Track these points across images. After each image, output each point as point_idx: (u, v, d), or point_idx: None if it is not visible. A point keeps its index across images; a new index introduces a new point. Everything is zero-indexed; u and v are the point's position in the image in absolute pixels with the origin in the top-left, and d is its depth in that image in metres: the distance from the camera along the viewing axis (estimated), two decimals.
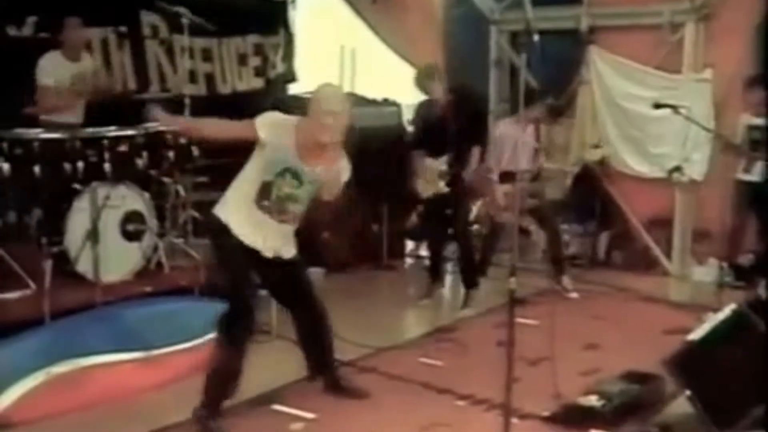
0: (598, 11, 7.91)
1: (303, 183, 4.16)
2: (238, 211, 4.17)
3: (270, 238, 4.21)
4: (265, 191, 4.14)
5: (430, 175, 6.44)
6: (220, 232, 4.19)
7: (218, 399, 4.20)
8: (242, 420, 4.29)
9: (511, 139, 6.64)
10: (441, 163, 6.39)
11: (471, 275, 6.68)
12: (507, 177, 6.55)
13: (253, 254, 4.20)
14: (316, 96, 4.24)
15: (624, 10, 7.75)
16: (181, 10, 6.49)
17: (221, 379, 4.20)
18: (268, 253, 4.23)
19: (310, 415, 4.37)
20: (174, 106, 6.36)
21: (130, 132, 5.69)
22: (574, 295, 6.78)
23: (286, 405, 4.48)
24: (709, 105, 7.23)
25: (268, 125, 4.15)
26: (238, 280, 4.23)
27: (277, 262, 4.30)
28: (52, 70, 5.99)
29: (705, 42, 7.40)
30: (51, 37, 6.24)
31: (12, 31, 6.57)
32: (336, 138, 4.17)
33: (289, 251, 4.36)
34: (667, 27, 7.51)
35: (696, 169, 7.38)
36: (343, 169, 4.29)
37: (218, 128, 4.49)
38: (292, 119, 4.23)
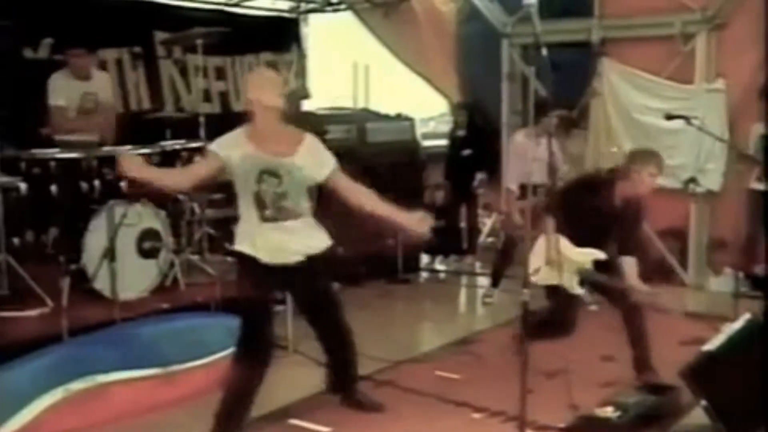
0: (609, 23, 7.92)
1: (281, 176, 4.10)
2: (251, 236, 4.18)
3: (289, 241, 4.18)
4: (259, 202, 4.11)
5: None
6: (243, 263, 4.26)
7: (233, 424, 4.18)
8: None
9: (525, 152, 6.62)
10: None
11: None
12: (522, 190, 6.54)
13: (278, 273, 4.20)
14: (251, 80, 4.42)
15: (635, 22, 7.75)
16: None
17: (236, 401, 4.19)
18: (295, 258, 4.19)
19: (326, 429, 4.38)
20: (189, 124, 6.44)
21: (145, 150, 5.75)
22: (593, 307, 6.76)
23: (303, 419, 4.49)
24: (723, 115, 7.21)
25: (222, 144, 4.17)
26: (256, 304, 4.22)
27: (304, 271, 4.26)
28: (61, 90, 6.05)
29: (717, 52, 7.39)
30: (66, 59, 6.31)
31: (28, 54, 6.67)
32: (273, 101, 4.12)
33: (317, 243, 4.30)
34: (679, 37, 7.50)
35: (711, 179, 7.35)
36: (314, 146, 4.25)
37: (181, 176, 4.59)
38: (239, 129, 4.20)
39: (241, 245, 4.23)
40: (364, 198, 4.36)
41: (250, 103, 4.17)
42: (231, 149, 4.12)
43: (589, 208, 4.80)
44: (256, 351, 4.18)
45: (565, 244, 4.76)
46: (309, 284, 4.36)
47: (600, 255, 4.85)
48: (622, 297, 4.90)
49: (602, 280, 4.89)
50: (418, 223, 4.41)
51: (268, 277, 4.20)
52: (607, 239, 4.93)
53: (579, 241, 4.82)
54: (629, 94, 7.81)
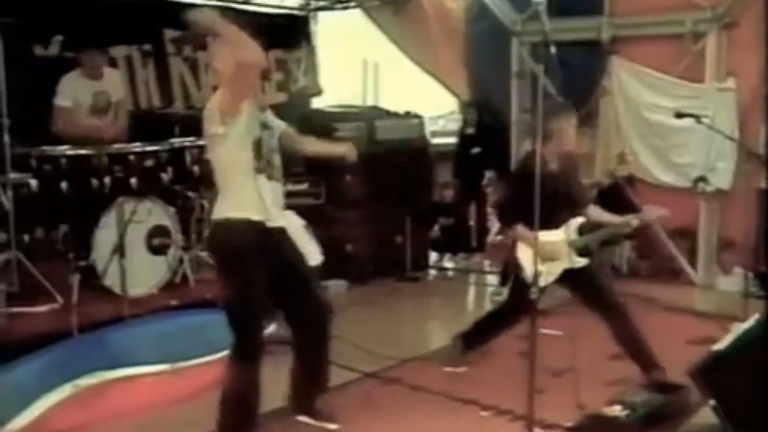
0: (619, 21, 7.91)
1: (271, 129, 4.12)
2: (240, 195, 4.00)
3: (272, 201, 4.08)
4: (257, 151, 4.00)
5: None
6: (227, 232, 4.01)
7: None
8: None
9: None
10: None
11: None
12: None
13: (261, 236, 4.01)
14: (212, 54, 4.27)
15: (646, 20, 7.73)
16: None
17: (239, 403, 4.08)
18: (275, 222, 4.08)
19: (334, 426, 4.38)
20: (199, 122, 6.44)
21: (155, 147, 5.78)
22: None
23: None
24: (733, 114, 7.18)
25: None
26: (251, 290, 4.02)
27: (285, 242, 4.17)
28: (72, 90, 6.07)
29: (727, 51, 7.37)
30: (76, 56, 6.33)
31: (38, 51, 6.69)
32: (262, 59, 4.00)
33: (285, 218, 4.24)
34: (689, 36, 7.48)
35: (721, 178, 7.34)
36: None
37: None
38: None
39: (241, 210, 4.00)
40: (304, 143, 4.55)
41: (221, 73, 4.02)
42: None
43: (540, 187, 4.73)
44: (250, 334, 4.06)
45: (545, 235, 4.72)
46: (290, 251, 4.22)
47: (579, 220, 4.91)
48: (600, 298, 4.88)
49: (596, 237, 4.94)
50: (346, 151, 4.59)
51: (267, 239, 4.04)
52: (572, 204, 4.94)
53: (551, 223, 4.74)
54: (639, 92, 7.79)
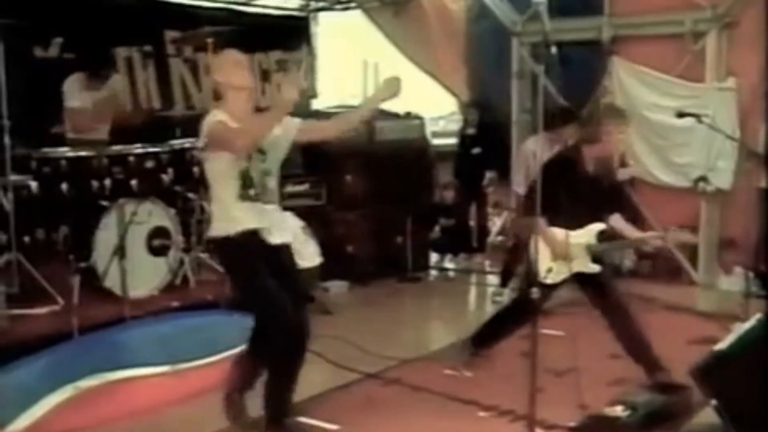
0: (619, 21, 7.91)
1: (266, 152, 4.06)
2: (227, 215, 4.04)
3: (268, 222, 4.09)
4: (245, 180, 4.01)
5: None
6: (228, 245, 4.08)
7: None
8: None
9: (536, 158, 6.55)
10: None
11: None
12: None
13: (259, 246, 4.05)
14: (219, 63, 4.22)
15: (646, 20, 7.73)
16: None
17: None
18: (274, 240, 4.10)
19: (334, 427, 4.38)
20: (199, 123, 6.45)
21: (155, 149, 5.78)
22: None
23: (312, 417, 4.48)
24: (733, 113, 7.18)
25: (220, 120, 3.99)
26: (263, 280, 4.04)
27: (280, 257, 4.16)
28: (77, 92, 6.08)
29: (728, 50, 7.37)
30: (76, 58, 6.33)
31: (38, 52, 6.69)
32: (244, 82, 4.07)
33: (288, 234, 4.25)
34: (689, 36, 7.48)
35: (722, 178, 7.34)
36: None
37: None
38: (218, 115, 4.02)
39: (219, 230, 4.08)
40: (328, 128, 4.39)
41: (220, 85, 4.11)
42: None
43: (569, 184, 4.71)
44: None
45: (563, 233, 4.74)
46: (283, 271, 4.19)
47: (600, 226, 4.84)
48: (605, 299, 4.86)
49: (614, 247, 4.89)
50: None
51: (264, 250, 4.06)
52: (597, 208, 4.87)
53: (573, 223, 4.77)
54: (639, 92, 7.79)
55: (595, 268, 4.85)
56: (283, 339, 4.05)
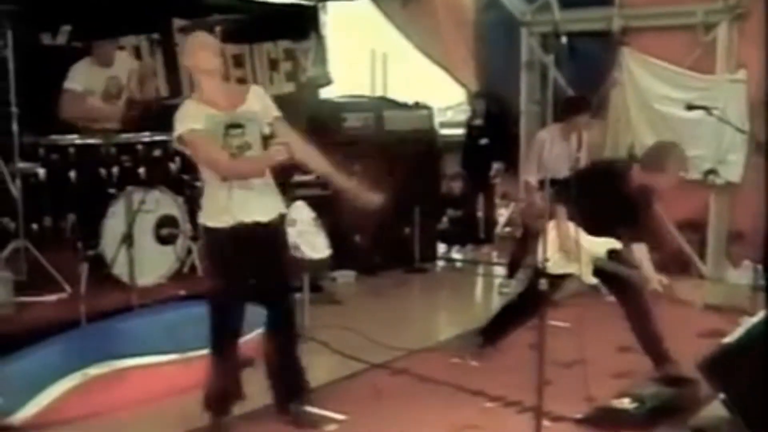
0: (630, 12, 7.86)
1: (244, 125, 4.02)
2: (214, 205, 4.05)
3: (256, 198, 4.07)
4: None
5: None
6: (209, 238, 4.13)
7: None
8: (274, 422, 4.31)
9: (554, 147, 6.53)
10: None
11: None
12: (541, 185, 6.48)
13: (241, 242, 4.04)
14: (186, 47, 4.14)
15: (656, 11, 7.68)
16: None
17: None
18: (261, 217, 4.08)
19: (342, 417, 4.38)
20: None
21: (163, 137, 5.77)
22: (612, 297, 6.71)
23: (319, 406, 4.49)
24: (744, 106, 7.14)
25: (185, 117, 3.96)
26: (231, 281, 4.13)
27: (268, 234, 4.15)
28: (83, 76, 6.05)
29: (739, 42, 7.32)
30: (84, 46, 6.32)
31: (46, 40, 6.68)
32: (210, 64, 4.01)
33: (279, 206, 4.22)
34: (700, 27, 7.43)
35: (731, 170, 7.30)
36: (260, 93, 4.20)
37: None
38: (186, 102, 4.05)
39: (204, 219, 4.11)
40: (306, 154, 4.26)
41: (189, 69, 4.11)
42: (194, 115, 3.95)
43: (605, 195, 4.71)
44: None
45: (575, 229, 4.73)
46: (271, 249, 4.20)
47: (616, 244, 4.81)
48: (626, 287, 4.84)
49: (617, 270, 4.80)
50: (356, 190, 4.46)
51: (242, 239, 4.05)
52: (621, 227, 4.86)
53: (591, 229, 4.77)
54: (649, 83, 7.75)
55: (592, 280, 4.85)
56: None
